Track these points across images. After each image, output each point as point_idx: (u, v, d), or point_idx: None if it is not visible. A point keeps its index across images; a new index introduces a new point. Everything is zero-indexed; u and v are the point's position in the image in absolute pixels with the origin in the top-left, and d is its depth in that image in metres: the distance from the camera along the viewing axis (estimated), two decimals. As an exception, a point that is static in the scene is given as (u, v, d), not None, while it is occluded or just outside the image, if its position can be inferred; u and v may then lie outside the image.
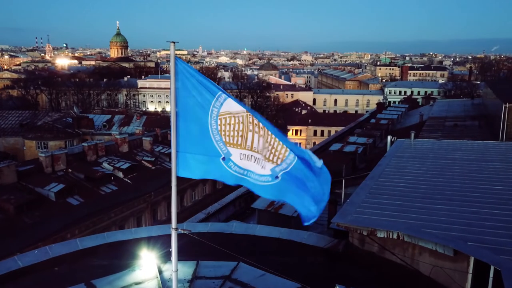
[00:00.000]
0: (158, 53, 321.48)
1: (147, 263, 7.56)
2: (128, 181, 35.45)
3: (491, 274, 7.06)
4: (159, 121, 57.88)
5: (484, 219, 8.51)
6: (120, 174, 35.46)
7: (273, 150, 5.01)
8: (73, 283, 7.49)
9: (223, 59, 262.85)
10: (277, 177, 5.05)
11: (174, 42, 4.59)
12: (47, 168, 32.28)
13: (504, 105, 21.96)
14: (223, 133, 5.08)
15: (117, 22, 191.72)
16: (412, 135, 16.81)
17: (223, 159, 5.13)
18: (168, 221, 34.94)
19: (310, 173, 4.95)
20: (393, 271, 8.31)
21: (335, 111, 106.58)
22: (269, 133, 4.99)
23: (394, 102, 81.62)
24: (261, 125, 5.02)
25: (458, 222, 8.46)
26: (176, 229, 4.93)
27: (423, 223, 8.56)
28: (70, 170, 33.42)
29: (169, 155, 40.27)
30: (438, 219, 8.69)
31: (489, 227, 8.11)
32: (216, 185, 41.97)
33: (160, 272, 7.29)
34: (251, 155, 5.13)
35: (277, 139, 4.97)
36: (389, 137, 17.26)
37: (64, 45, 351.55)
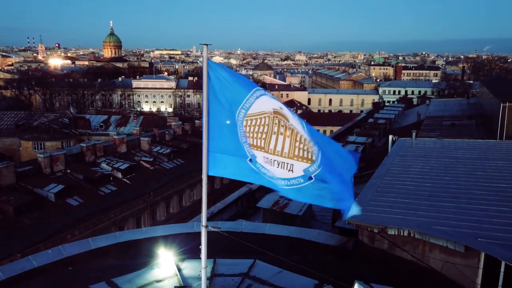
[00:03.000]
0: (151, 53, 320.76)
1: (164, 262, 7.65)
2: (127, 181, 35.41)
3: (502, 269, 7.28)
4: (156, 121, 57.88)
5: (492, 216, 8.69)
6: (119, 175, 35.41)
7: (305, 148, 4.91)
8: (89, 283, 7.56)
9: (217, 59, 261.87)
10: (310, 177, 4.91)
11: (206, 45, 4.64)
12: (45, 169, 32.14)
13: (502, 105, 22.24)
14: (248, 134, 5.03)
15: (111, 22, 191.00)
16: (414, 134, 16.95)
17: (250, 160, 5.08)
18: (167, 221, 35.01)
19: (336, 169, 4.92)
20: (404, 267, 8.48)
21: (330, 110, 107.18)
22: (299, 131, 4.89)
23: (389, 101, 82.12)
24: (288, 125, 4.92)
25: (467, 219, 8.63)
26: (206, 226, 5.04)
27: (433, 221, 8.71)
28: (69, 171, 33.32)
29: (167, 155, 40.91)
30: (447, 217, 8.85)
31: (498, 224, 8.29)
32: (214, 185, 42.03)
33: (179, 270, 7.40)
34: (274, 160, 5.03)
35: (307, 138, 4.86)
36: (390, 137, 17.37)
37: (56, 45, 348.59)
